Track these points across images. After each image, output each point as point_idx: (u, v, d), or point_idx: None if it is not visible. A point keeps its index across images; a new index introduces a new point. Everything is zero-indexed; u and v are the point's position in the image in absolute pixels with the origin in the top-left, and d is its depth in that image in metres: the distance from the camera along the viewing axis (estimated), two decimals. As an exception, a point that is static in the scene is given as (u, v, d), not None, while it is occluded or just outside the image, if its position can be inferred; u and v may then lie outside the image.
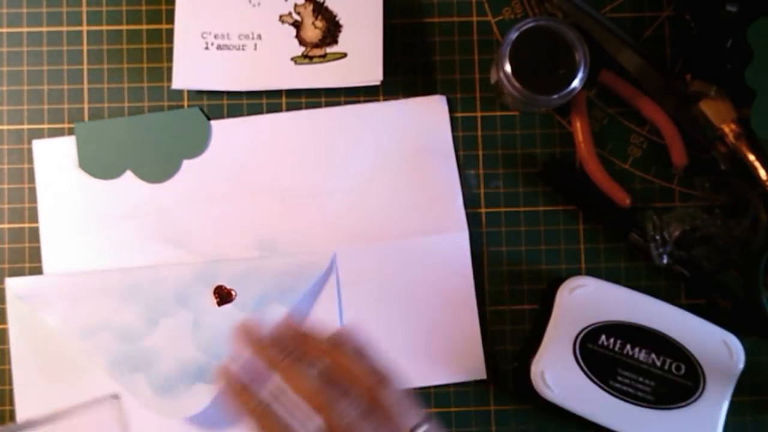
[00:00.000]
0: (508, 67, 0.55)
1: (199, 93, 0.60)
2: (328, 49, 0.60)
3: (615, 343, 0.56)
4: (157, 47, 0.60)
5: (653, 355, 0.56)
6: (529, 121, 0.61)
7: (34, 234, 0.59)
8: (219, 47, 0.59)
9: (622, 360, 0.56)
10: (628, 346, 0.56)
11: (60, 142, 0.59)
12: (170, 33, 0.60)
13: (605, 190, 0.59)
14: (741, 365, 0.56)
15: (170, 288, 0.57)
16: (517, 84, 0.54)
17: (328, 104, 0.60)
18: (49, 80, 0.60)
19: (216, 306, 0.57)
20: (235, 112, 0.60)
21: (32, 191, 0.59)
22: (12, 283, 0.58)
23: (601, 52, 0.59)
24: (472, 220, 0.60)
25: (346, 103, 0.60)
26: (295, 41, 0.60)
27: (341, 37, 0.59)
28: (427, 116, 0.60)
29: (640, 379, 0.56)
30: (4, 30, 0.60)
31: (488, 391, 0.59)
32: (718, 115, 0.57)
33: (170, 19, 0.60)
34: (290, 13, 0.60)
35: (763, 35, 0.55)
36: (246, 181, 0.59)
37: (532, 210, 0.60)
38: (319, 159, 0.60)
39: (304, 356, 0.46)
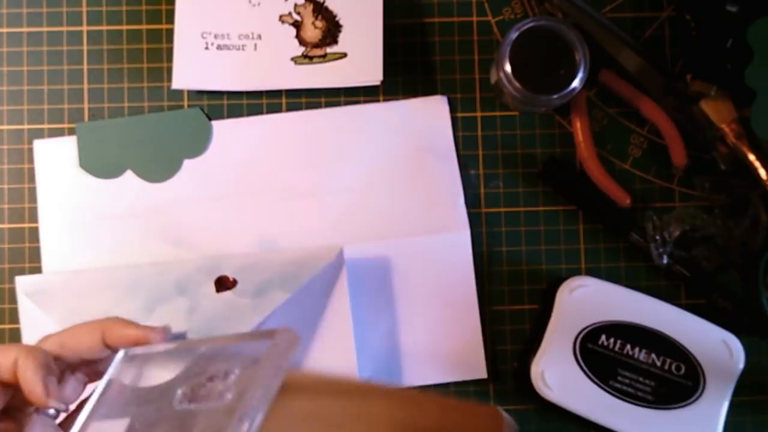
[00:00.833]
0: (508, 67, 0.55)
1: (199, 93, 0.60)
2: (328, 49, 0.60)
3: (615, 343, 0.56)
4: (157, 47, 0.60)
5: (653, 355, 0.56)
6: (529, 121, 0.61)
7: (34, 234, 0.59)
8: (219, 47, 0.59)
9: (622, 360, 0.56)
10: (628, 346, 0.56)
11: (60, 142, 0.59)
12: (170, 33, 0.60)
13: (605, 190, 0.59)
14: (741, 365, 0.56)
15: (172, 279, 0.57)
16: (517, 84, 0.54)
17: (328, 104, 0.60)
18: (49, 80, 0.60)
19: (215, 292, 0.57)
20: (235, 112, 0.60)
21: (32, 191, 0.60)
22: (21, 282, 0.58)
23: (601, 52, 0.59)
24: (473, 220, 0.60)
25: (346, 103, 0.60)
26: (295, 41, 0.60)
27: (341, 37, 0.59)
28: (429, 116, 0.60)
29: (640, 379, 0.56)
30: (4, 30, 0.60)
31: (488, 391, 0.59)
32: (718, 115, 0.57)
33: (170, 19, 0.60)
34: (290, 13, 0.60)
35: (763, 35, 0.55)
36: (247, 181, 0.59)
37: (532, 210, 0.60)
38: (320, 159, 0.60)
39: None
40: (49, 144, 0.59)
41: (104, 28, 0.61)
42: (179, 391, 0.43)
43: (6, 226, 0.59)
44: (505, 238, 0.60)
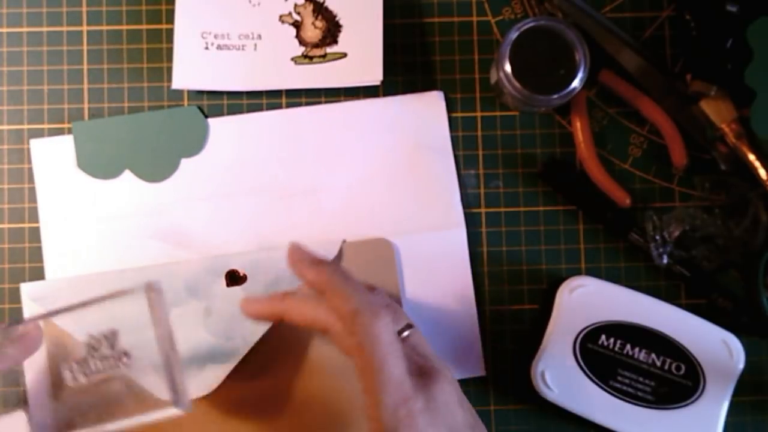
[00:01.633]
0: (508, 67, 0.55)
1: (199, 93, 0.60)
2: (328, 49, 0.60)
3: (615, 343, 0.56)
4: (157, 47, 0.61)
5: (653, 355, 0.56)
6: (529, 121, 0.61)
7: (34, 234, 0.59)
8: (219, 47, 0.59)
9: (622, 360, 0.56)
10: (628, 346, 0.56)
11: (58, 141, 0.59)
12: (170, 33, 0.60)
13: (605, 190, 0.59)
14: (741, 365, 0.56)
15: (181, 281, 0.58)
16: (517, 84, 0.55)
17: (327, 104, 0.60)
18: (49, 80, 0.60)
19: (226, 288, 0.57)
20: (235, 112, 0.60)
21: (32, 191, 0.60)
22: (26, 288, 0.58)
23: (601, 52, 0.59)
24: (472, 220, 0.60)
25: (346, 103, 0.60)
26: (295, 41, 0.60)
27: (341, 37, 0.59)
28: (425, 112, 0.60)
29: (640, 379, 0.56)
30: (4, 30, 0.60)
31: (488, 391, 0.59)
32: (719, 114, 0.57)
33: (170, 19, 0.60)
34: (290, 13, 0.60)
35: (763, 35, 0.55)
36: (244, 178, 0.59)
37: (532, 210, 0.60)
38: (317, 156, 0.60)
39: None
40: (47, 143, 0.59)
41: (104, 28, 0.61)
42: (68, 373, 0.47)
43: (6, 226, 0.59)
44: (505, 237, 0.60)
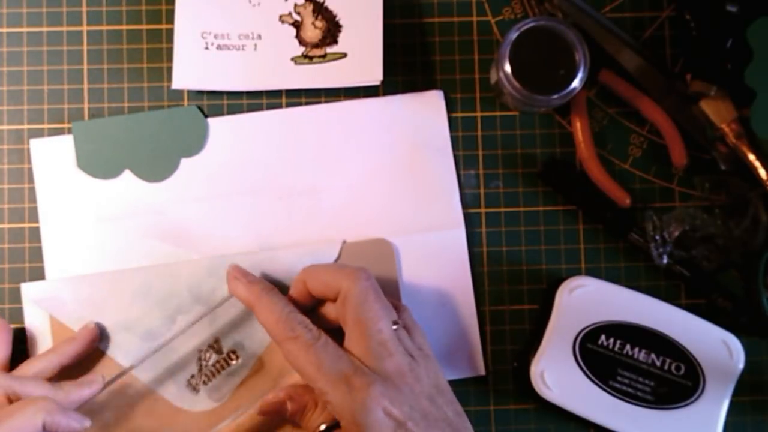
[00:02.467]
0: (507, 67, 0.55)
1: (199, 93, 0.60)
2: (328, 49, 0.60)
3: (615, 343, 0.56)
4: (157, 47, 0.61)
5: (653, 355, 0.56)
6: (529, 121, 0.61)
7: (34, 234, 0.59)
8: (219, 47, 0.59)
9: (622, 360, 0.56)
10: (628, 346, 0.56)
11: (58, 141, 0.59)
12: (170, 33, 0.60)
13: (605, 190, 0.59)
14: (741, 365, 0.56)
15: (184, 284, 0.58)
16: (516, 84, 0.55)
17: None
18: (49, 80, 0.60)
19: (228, 293, 0.57)
20: (235, 112, 0.60)
21: (32, 191, 0.60)
22: (27, 288, 0.58)
23: (601, 52, 0.59)
24: (472, 220, 0.60)
25: (346, 103, 0.60)
26: (295, 41, 0.60)
27: (341, 37, 0.59)
28: (425, 111, 0.60)
29: (640, 379, 0.56)
30: (4, 30, 0.60)
31: (488, 391, 0.59)
32: (719, 114, 0.57)
33: (170, 19, 0.60)
34: (290, 13, 0.60)
35: (763, 35, 0.55)
36: (244, 178, 0.59)
37: (532, 210, 0.60)
38: (317, 155, 0.60)
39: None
40: (46, 143, 0.59)
41: (104, 28, 0.61)
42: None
43: (6, 226, 0.59)
44: (505, 237, 0.60)
